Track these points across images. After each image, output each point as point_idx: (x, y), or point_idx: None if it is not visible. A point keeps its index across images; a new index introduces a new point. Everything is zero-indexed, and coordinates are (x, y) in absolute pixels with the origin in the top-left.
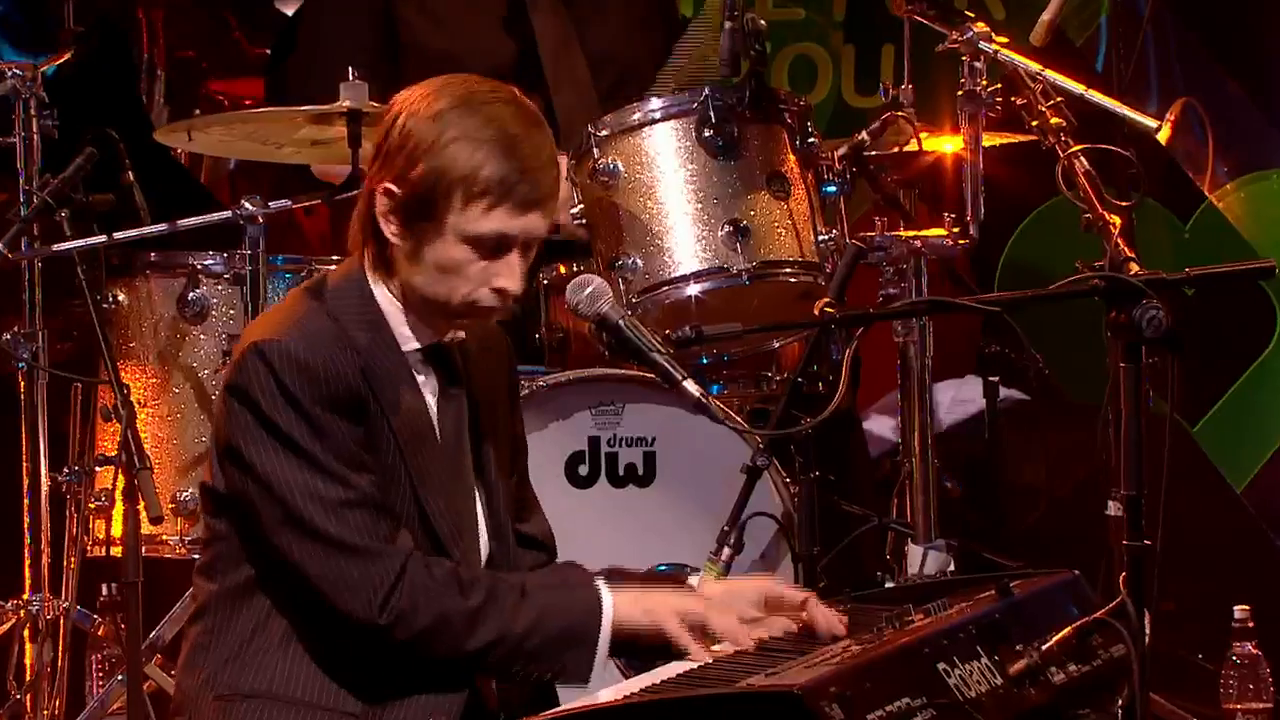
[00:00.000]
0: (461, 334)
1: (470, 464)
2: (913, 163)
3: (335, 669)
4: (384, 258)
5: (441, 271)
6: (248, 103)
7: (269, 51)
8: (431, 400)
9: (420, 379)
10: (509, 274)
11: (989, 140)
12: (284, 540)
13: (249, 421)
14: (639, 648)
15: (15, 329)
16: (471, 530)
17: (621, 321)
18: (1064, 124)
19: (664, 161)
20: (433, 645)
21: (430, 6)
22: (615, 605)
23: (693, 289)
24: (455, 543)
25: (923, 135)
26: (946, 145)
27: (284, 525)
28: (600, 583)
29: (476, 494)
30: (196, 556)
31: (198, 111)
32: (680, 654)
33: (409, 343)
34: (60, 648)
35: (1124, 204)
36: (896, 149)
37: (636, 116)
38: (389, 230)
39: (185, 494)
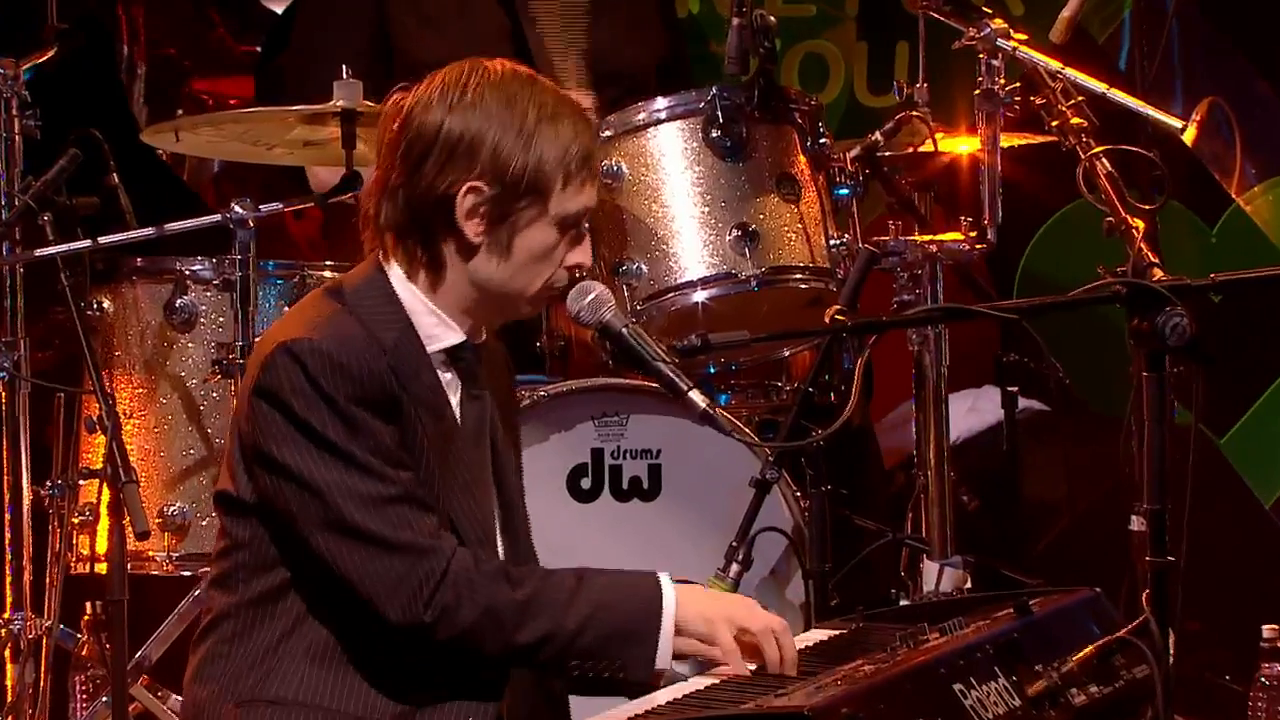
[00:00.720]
0: (485, 337)
1: (490, 464)
2: (928, 164)
3: (367, 676)
4: (434, 257)
5: (532, 260)
6: (233, 102)
7: (258, 50)
8: (454, 400)
9: (446, 379)
10: (584, 248)
11: (1007, 141)
12: (322, 542)
13: (280, 423)
14: (683, 656)
15: None
16: (492, 532)
17: (625, 330)
18: (1085, 124)
19: (669, 163)
20: (480, 641)
21: (425, 10)
22: (679, 603)
23: (699, 295)
24: (481, 546)
25: (938, 136)
26: (963, 146)
27: (322, 526)
28: (664, 578)
29: (494, 495)
30: (186, 573)
31: (180, 112)
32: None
33: (434, 343)
34: (43, 668)
35: (1147, 207)
36: (911, 150)
37: (641, 117)
38: (472, 229)
39: (173, 508)
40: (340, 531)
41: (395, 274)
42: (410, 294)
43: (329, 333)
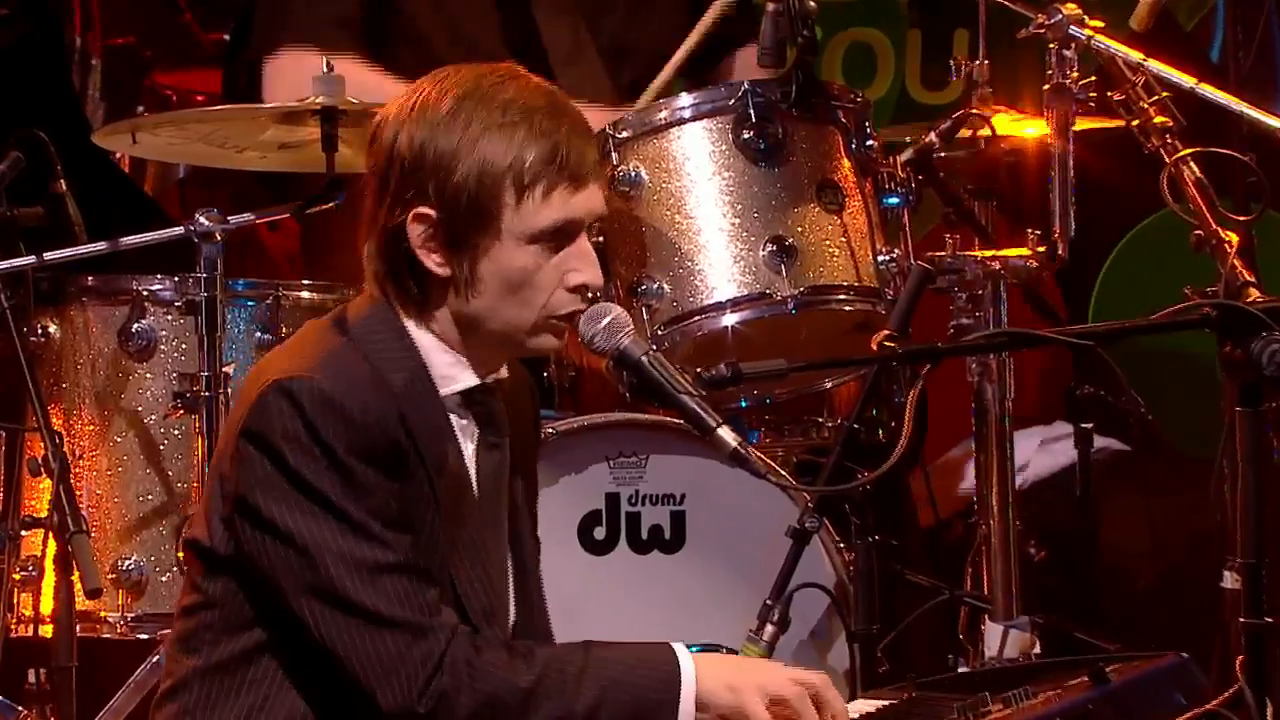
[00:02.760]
0: (504, 372)
1: (506, 523)
2: (989, 164)
3: None
4: (422, 296)
5: (510, 289)
6: (200, 98)
7: (227, 37)
8: (469, 450)
9: (461, 425)
10: (583, 263)
11: (1080, 126)
12: (309, 611)
13: (270, 472)
14: None
15: None
16: (503, 602)
17: (644, 358)
18: (1171, 124)
19: (695, 168)
20: None
21: None
22: (698, 675)
23: (729, 319)
24: (487, 620)
25: (1002, 118)
26: (1029, 129)
27: (310, 593)
28: (679, 647)
29: (508, 557)
30: (143, 636)
31: (141, 109)
32: None
33: (449, 385)
34: None
35: (1242, 218)
36: (970, 134)
37: (663, 115)
38: (432, 262)
39: (128, 562)
40: (329, 601)
41: (402, 312)
42: (422, 332)
43: (332, 371)
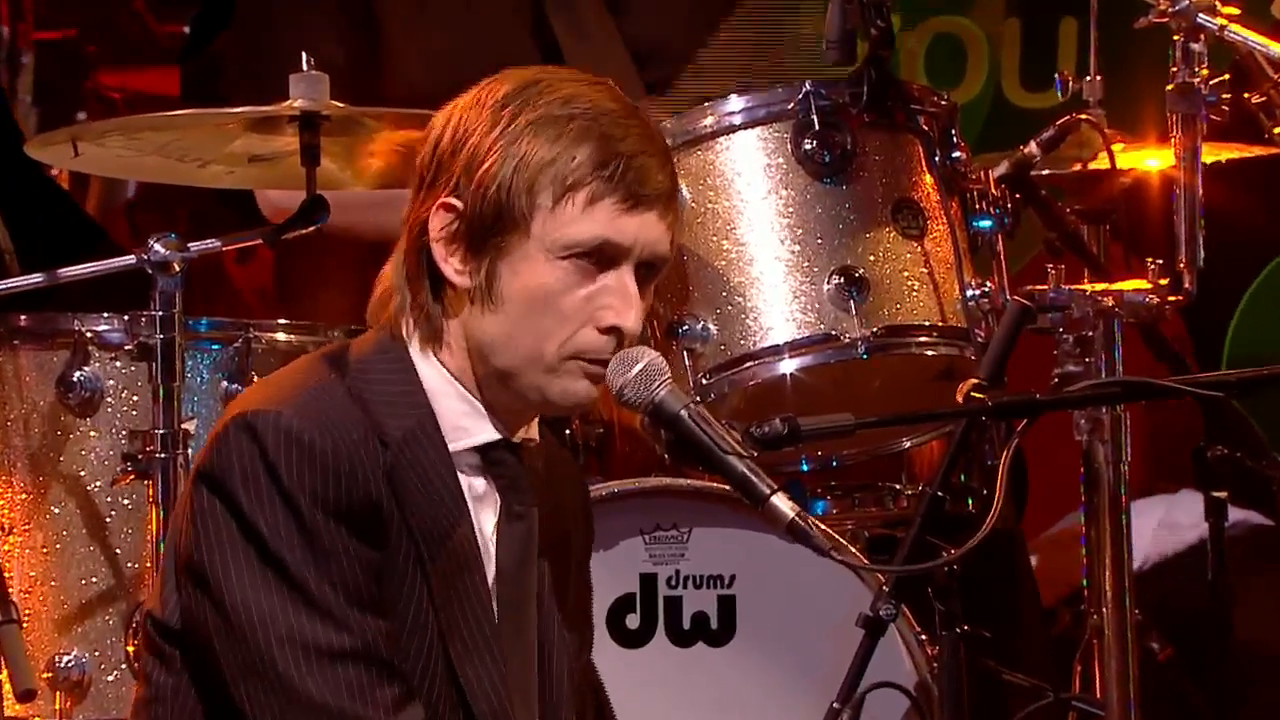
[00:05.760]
0: (535, 436)
1: (535, 607)
2: (1102, 186)
3: None
4: (436, 314)
5: (530, 310)
6: (155, 101)
7: (186, 30)
8: (488, 521)
9: (478, 490)
10: (621, 302)
11: (1211, 154)
12: (245, 694)
13: (221, 521)
14: None
15: None
16: (527, 701)
17: (685, 412)
18: None
19: (747, 185)
20: None
21: None
22: None
23: (787, 365)
24: None
25: (1117, 147)
26: (1150, 161)
27: (249, 673)
28: None
29: (534, 650)
30: None
31: (82, 115)
32: None
33: (461, 439)
34: None
35: None
36: (1079, 166)
37: (708, 121)
38: (450, 265)
39: (67, 658)
40: (268, 686)
41: (415, 343)
42: (434, 370)
43: (308, 409)
